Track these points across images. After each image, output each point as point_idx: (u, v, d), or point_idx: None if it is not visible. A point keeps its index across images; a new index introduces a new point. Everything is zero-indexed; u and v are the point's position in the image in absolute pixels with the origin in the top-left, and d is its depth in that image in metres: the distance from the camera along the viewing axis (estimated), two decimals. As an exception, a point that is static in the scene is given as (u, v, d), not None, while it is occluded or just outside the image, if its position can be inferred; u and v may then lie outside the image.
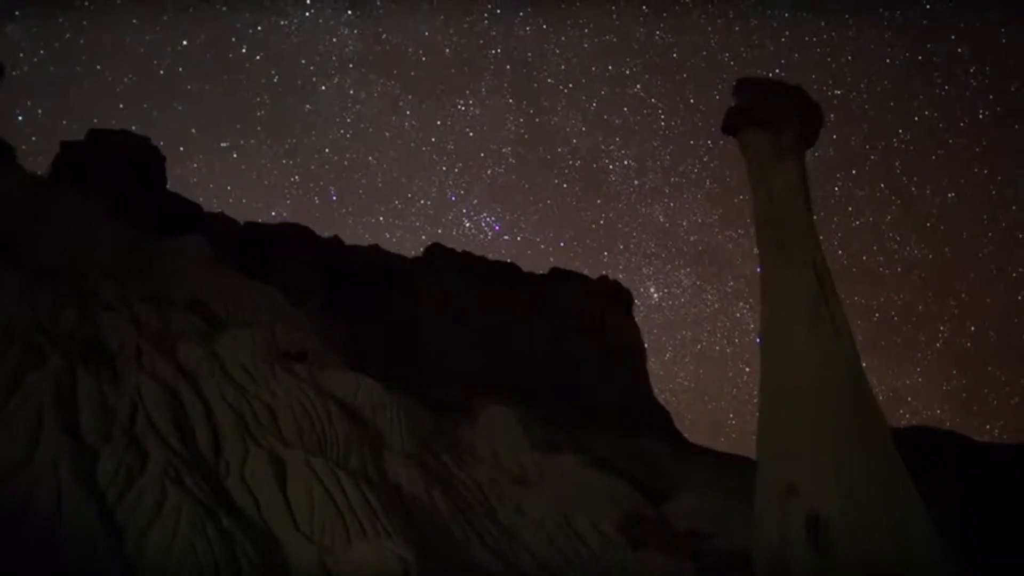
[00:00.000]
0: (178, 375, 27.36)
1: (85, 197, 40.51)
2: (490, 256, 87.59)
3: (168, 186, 70.88)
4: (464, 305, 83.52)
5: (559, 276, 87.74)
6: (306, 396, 29.57)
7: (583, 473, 40.75)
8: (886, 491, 27.24)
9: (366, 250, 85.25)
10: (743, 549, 37.87)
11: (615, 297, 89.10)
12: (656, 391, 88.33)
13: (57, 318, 28.19)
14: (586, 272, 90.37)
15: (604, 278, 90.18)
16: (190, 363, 28.81)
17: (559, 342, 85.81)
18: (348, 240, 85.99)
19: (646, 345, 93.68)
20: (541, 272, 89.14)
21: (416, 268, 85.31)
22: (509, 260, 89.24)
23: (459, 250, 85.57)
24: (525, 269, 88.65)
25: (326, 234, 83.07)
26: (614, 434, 77.94)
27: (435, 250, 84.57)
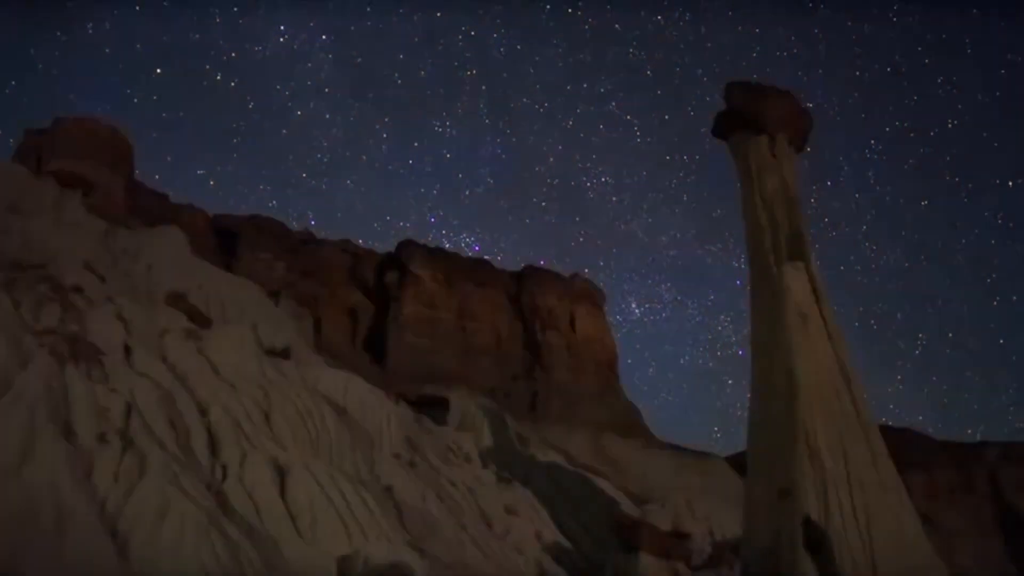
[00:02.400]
0: (170, 375, 26.73)
1: (60, 187, 39.35)
2: (463, 255, 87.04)
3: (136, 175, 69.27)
4: (435, 300, 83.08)
5: (531, 273, 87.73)
6: (298, 396, 29.07)
7: (568, 474, 40.84)
8: (879, 494, 27.65)
9: (337, 244, 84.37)
10: (726, 547, 38.26)
11: (586, 294, 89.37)
12: (640, 406, 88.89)
13: (40, 314, 27.31)
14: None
15: (576, 276, 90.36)
16: (180, 363, 28.13)
17: (530, 338, 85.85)
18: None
19: (629, 361, 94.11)
20: (513, 269, 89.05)
21: (388, 263, 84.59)
22: (483, 256, 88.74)
23: (431, 245, 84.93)
24: (497, 267, 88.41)
25: (297, 227, 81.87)
26: (586, 431, 78.32)
27: (407, 245, 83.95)
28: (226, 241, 76.31)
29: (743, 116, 35.21)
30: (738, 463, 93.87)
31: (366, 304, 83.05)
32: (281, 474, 24.39)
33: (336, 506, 24.00)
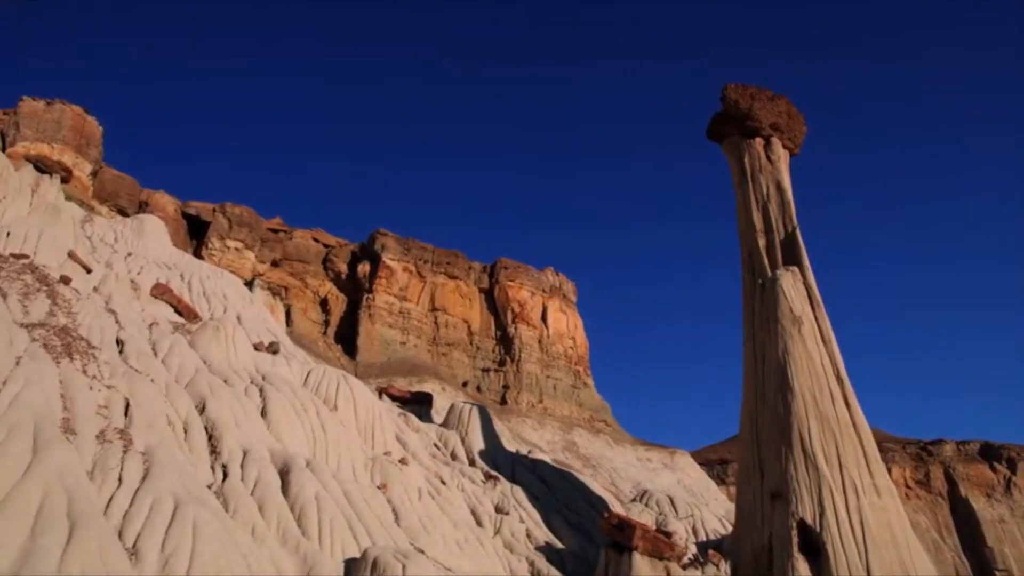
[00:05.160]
0: (164, 371, 26.07)
1: (38, 173, 38.10)
2: (436, 247, 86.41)
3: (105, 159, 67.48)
4: (407, 291, 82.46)
5: (503, 265, 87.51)
6: (293, 393, 28.62)
7: (554, 471, 40.83)
8: (873, 498, 28.09)
9: (309, 233, 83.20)
10: (709, 546, 38.62)
11: (559, 289, 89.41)
12: (615, 405, 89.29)
13: (28, 306, 26.41)
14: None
15: (549, 269, 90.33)
16: (173, 358, 27.44)
17: (502, 331, 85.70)
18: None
19: (607, 364, 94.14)
20: (486, 261, 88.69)
21: (360, 253, 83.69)
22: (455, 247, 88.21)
23: (405, 236, 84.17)
24: (470, 257, 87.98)
25: (270, 216, 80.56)
26: (556, 425, 78.50)
27: (380, 235, 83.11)
28: (196, 228, 74.85)
29: (738, 118, 35.43)
30: (701, 458, 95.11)
31: (337, 294, 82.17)
32: (282, 474, 23.96)
33: (339, 506, 23.68)
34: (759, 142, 35.13)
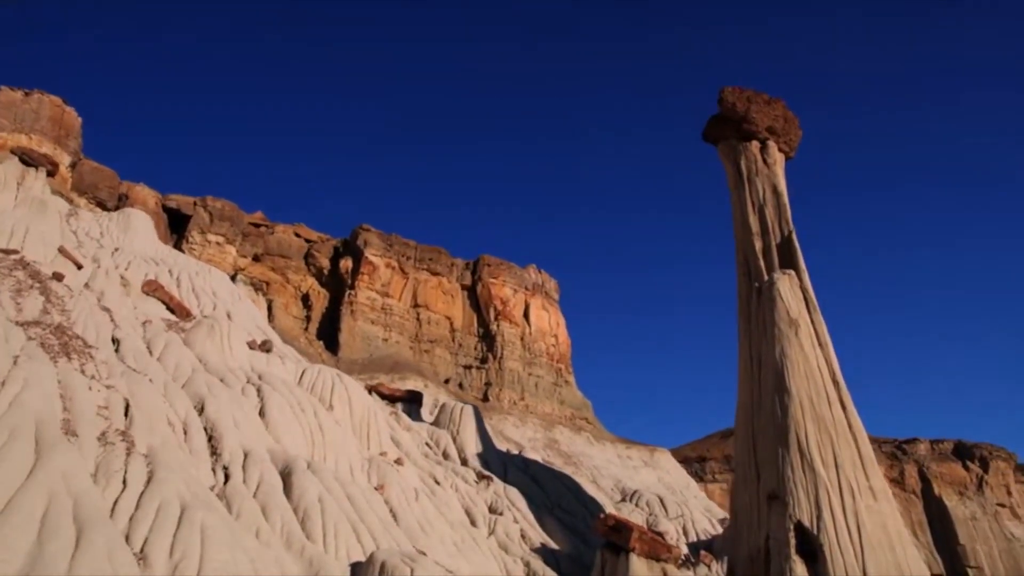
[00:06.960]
0: (162, 370, 25.66)
1: (23, 166, 37.34)
2: (418, 242, 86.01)
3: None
4: (390, 287, 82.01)
5: (486, 262, 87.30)
6: (292, 395, 28.31)
7: (546, 471, 40.82)
8: (869, 500, 28.36)
9: (291, 228, 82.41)
10: (701, 545, 38.84)
11: (541, 286, 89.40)
12: (597, 403, 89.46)
13: (22, 304, 25.86)
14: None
15: (532, 267, 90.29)
16: (170, 357, 27.01)
17: (484, 328, 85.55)
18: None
19: (589, 361, 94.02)
20: (469, 259, 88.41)
21: (342, 249, 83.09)
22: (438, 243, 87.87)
23: (387, 232, 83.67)
24: (453, 254, 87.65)
25: (251, 210, 79.67)
26: (538, 423, 78.56)
27: (362, 231, 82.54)
28: (176, 221, 73.86)
29: (735, 121, 35.56)
30: (680, 456, 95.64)
31: (319, 290, 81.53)
32: (283, 475, 23.69)
33: (342, 508, 23.47)
34: (755, 145, 35.29)
